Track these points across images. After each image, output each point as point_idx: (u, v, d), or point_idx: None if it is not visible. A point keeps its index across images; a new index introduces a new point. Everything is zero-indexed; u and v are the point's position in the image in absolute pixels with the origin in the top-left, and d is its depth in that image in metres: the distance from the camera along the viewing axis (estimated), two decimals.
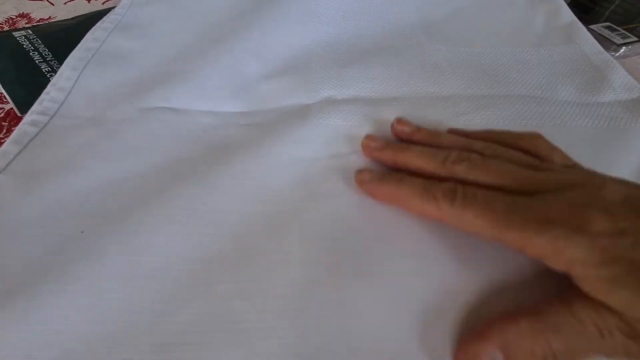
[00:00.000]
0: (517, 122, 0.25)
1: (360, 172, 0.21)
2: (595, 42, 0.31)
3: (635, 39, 0.33)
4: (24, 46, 0.30)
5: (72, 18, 0.34)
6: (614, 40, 0.33)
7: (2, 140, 0.25)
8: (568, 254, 0.14)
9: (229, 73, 0.28)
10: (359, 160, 0.23)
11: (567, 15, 0.35)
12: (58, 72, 0.27)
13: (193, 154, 0.23)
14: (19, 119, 0.26)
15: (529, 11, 0.35)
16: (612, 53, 0.33)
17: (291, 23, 0.32)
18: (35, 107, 0.25)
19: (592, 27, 0.35)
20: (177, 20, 0.33)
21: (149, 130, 0.24)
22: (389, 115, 0.25)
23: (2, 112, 0.28)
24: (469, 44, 0.32)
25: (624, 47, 0.33)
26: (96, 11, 0.35)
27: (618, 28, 0.35)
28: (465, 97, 0.27)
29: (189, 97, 0.26)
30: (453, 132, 0.23)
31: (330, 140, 0.24)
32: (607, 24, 0.35)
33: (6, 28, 0.35)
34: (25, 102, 0.27)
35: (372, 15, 0.34)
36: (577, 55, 0.31)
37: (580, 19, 0.36)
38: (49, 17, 0.36)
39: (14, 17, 0.36)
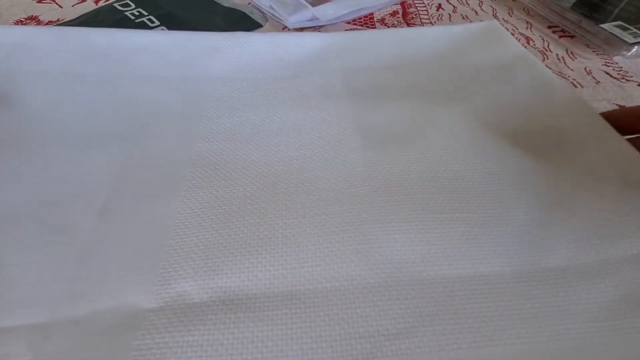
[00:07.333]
0: None
1: None
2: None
3: None
4: None
5: (77, 17, 0.34)
6: (626, 39, 0.33)
7: None
8: None
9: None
10: None
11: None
12: None
13: None
14: None
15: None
16: (624, 52, 0.33)
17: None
18: None
19: (603, 25, 0.35)
20: None
21: None
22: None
23: None
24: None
25: (635, 47, 0.33)
26: (96, 9, 0.36)
27: (630, 27, 0.35)
28: None
29: None
30: None
31: None
32: (619, 22, 0.35)
33: None
34: None
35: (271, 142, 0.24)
36: None
37: (588, 17, 0.36)
38: (58, 20, 0.36)
39: (24, 19, 0.36)
